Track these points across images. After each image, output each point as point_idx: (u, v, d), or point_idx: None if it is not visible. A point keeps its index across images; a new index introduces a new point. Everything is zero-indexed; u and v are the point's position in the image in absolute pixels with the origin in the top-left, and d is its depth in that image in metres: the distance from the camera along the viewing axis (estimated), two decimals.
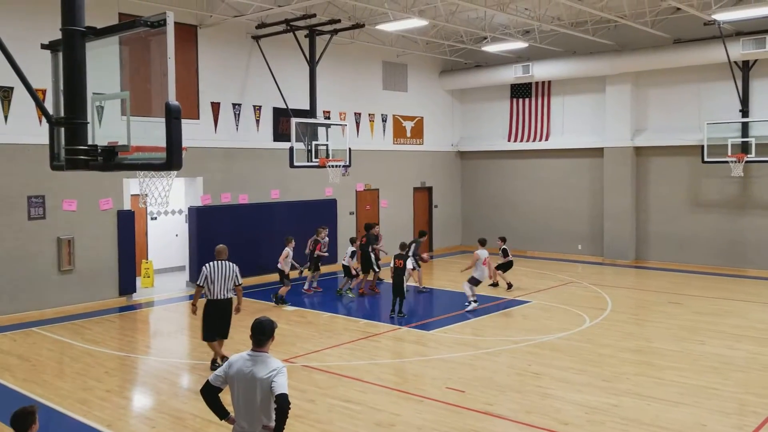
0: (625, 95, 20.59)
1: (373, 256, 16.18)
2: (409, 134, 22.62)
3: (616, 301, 15.10)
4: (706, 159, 18.60)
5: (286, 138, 17.19)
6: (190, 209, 16.88)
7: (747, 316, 13.72)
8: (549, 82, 22.20)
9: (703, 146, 18.66)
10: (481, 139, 24.04)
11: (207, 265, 10.08)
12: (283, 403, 4.87)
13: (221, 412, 5.26)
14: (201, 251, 16.18)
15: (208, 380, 5.28)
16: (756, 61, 18.24)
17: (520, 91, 22.99)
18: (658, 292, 16.20)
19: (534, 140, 22.67)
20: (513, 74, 21.81)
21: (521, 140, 22.94)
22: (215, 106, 17.13)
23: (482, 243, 14.99)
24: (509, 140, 23.21)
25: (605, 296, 15.69)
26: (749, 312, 14.17)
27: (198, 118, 16.75)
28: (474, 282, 14.39)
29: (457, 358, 10.89)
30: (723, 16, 15.81)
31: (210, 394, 5.24)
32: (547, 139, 22.43)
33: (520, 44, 19.64)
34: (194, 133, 16.19)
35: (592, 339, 11.98)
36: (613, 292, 16.08)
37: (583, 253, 21.62)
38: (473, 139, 24.29)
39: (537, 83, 22.44)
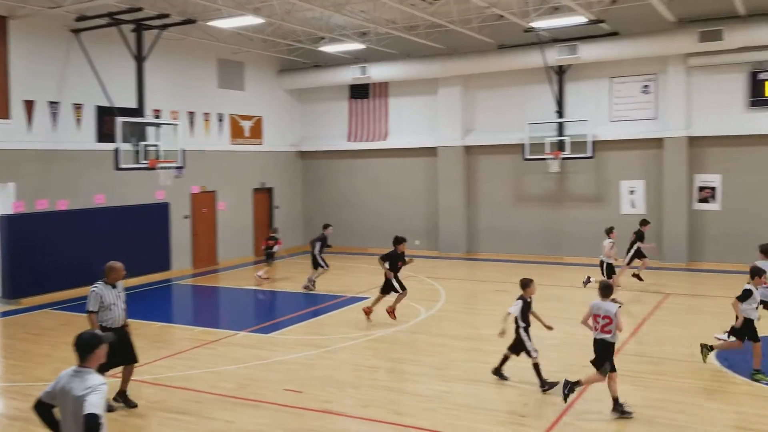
0: (456, 97, 21.61)
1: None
2: (247, 134, 22.19)
3: (450, 292, 15.80)
4: (527, 156, 20.01)
5: (111, 139, 16.16)
6: (0, 218, 15.33)
7: (564, 300, 14.92)
8: (386, 83, 22.78)
9: (524, 145, 20.05)
10: (321, 139, 24.15)
11: (98, 285, 8.44)
12: (89, 424, 4.49)
13: (56, 429, 4.85)
14: (14, 264, 14.81)
15: (39, 397, 4.88)
16: (569, 66, 19.88)
17: (359, 91, 23.37)
18: (487, 282, 17.18)
19: (373, 140, 23.16)
20: (351, 75, 22.12)
21: (360, 140, 23.34)
22: (29, 105, 15.73)
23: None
24: (349, 140, 23.53)
25: (440, 288, 16.36)
26: (566, 295, 15.43)
27: (8, 118, 15.30)
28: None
29: (297, 359, 10.83)
30: (540, 24, 17.07)
31: (43, 410, 4.87)
32: (385, 139, 22.99)
33: (357, 46, 19.95)
34: (4, 134, 14.78)
35: (427, 330, 12.44)
36: (446, 284, 16.80)
37: (421, 248, 22.40)
38: (314, 138, 24.34)
39: (375, 84, 22.94)
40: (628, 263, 15.82)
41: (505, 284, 16.72)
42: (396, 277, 12.96)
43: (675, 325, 12.62)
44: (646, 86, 19.40)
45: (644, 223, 16.07)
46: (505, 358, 9.47)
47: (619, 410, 8.06)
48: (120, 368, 8.56)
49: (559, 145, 19.68)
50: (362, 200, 23.51)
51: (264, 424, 8.11)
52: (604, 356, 8.18)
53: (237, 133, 21.76)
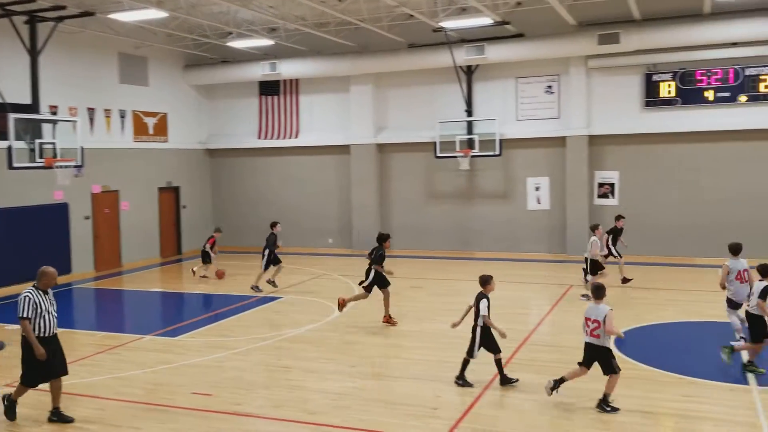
0: (368, 95, 21.67)
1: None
2: (151, 131, 21.41)
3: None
4: (438, 154, 20.32)
5: (4, 136, 15.20)
6: None
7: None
8: (297, 80, 22.55)
9: (436, 143, 20.36)
10: (230, 137, 23.64)
11: (31, 291, 7.93)
12: None
13: None
14: None
15: None
16: (477, 66, 20.33)
17: (269, 88, 23.03)
18: (402, 278, 17.25)
19: (284, 138, 22.89)
20: (260, 71, 21.77)
21: (271, 137, 23.01)
22: None
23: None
24: (259, 137, 23.16)
25: (353, 286, 16.34)
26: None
27: None
28: None
29: (205, 361, 10.54)
30: (448, 24, 17.36)
31: None
32: (296, 137, 22.77)
33: (266, 42, 19.62)
34: None
35: (340, 328, 12.41)
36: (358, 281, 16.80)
37: (334, 247, 22.36)
38: (223, 136, 23.79)
39: (285, 81, 22.67)
40: (606, 256, 15.35)
41: (418, 280, 16.96)
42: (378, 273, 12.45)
43: (576, 315, 13.04)
44: (549, 87, 20.11)
45: (619, 218, 16.18)
46: (498, 362, 9.10)
47: (605, 407, 8.02)
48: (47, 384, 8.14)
49: (469, 143, 20.10)
50: (274, 199, 23.19)
51: (172, 428, 7.84)
52: (605, 359, 8.04)
53: (140, 130, 20.96)
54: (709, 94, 18.22)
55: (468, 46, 19.33)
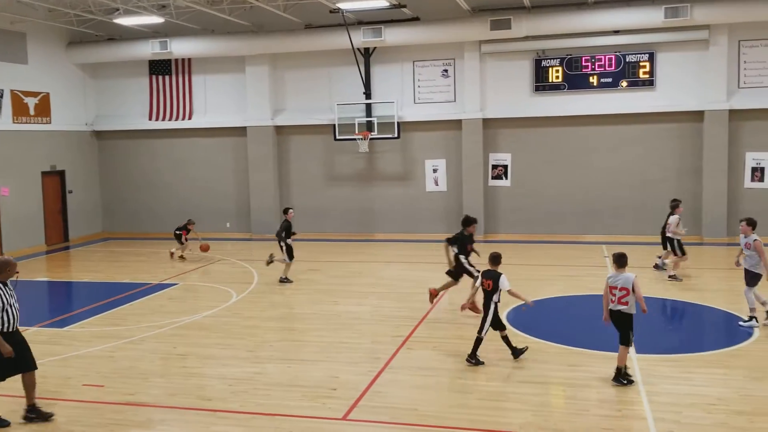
0: (264, 76, 21.26)
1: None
2: (33, 112, 20.09)
3: (263, 273, 15.63)
4: (337, 137, 20.30)
5: None
6: None
7: (374, 275, 15.44)
8: (189, 59, 21.80)
9: (335, 125, 20.31)
10: (119, 118, 22.58)
11: None
12: None
13: None
14: None
15: None
16: (375, 48, 20.39)
17: (160, 67, 22.12)
18: (300, 261, 17.18)
19: (177, 119, 22.10)
20: (150, 50, 20.86)
21: (163, 119, 22.17)
22: None
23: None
24: (150, 119, 22.25)
25: (252, 271, 16.13)
26: (376, 271, 15.97)
27: None
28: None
29: (96, 352, 10.11)
30: (345, 6, 17.27)
31: None
32: (190, 118, 22.05)
33: (155, 19, 18.78)
34: None
35: (238, 313, 12.22)
36: (259, 266, 16.58)
37: (232, 231, 21.93)
38: (111, 117, 22.69)
39: (177, 60, 21.86)
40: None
41: (316, 263, 16.94)
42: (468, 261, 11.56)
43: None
44: (445, 70, 20.47)
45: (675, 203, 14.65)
46: (505, 338, 9.17)
47: (621, 380, 8.12)
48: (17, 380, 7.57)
49: (368, 126, 20.19)
50: (168, 183, 22.42)
51: (61, 422, 7.49)
52: (625, 328, 8.13)
53: (20, 110, 19.63)
54: (594, 80, 19.15)
55: (365, 28, 19.33)
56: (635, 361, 8.98)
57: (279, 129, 21.59)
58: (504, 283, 8.96)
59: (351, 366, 9.19)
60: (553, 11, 18.29)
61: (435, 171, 20.73)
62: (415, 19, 19.41)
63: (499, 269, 9.13)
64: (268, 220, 21.45)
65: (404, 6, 18.22)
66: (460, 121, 20.16)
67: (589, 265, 15.86)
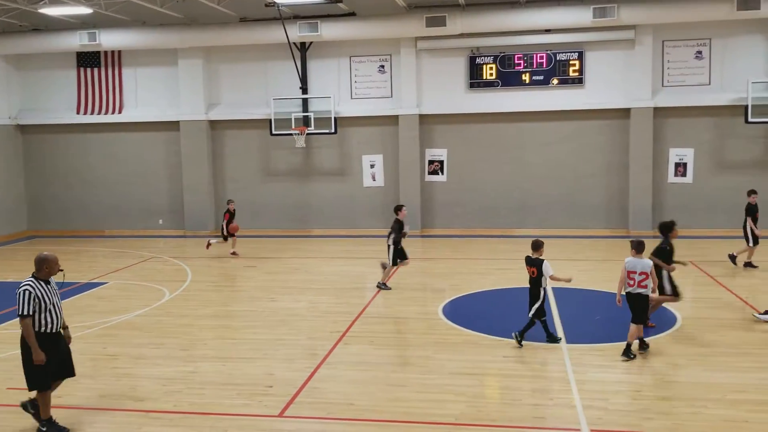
0: (198, 69, 20.83)
1: None
2: None
3: (197, 271, 15.36)
4: (274, 132, 20.10)
5: None
6: None
7: (311, 271, 15.38)
8: (119, 52, 21.15)
9: (271, 120, 20.10)
10: (46, 112, 21.72)
11: (31, 283, 7.01)
12: None
13: None
14: None
15: None
16: (311, 43, 20.26)
17: (88, 60, 21.39)
18: (237, 259, 17.01)
19: (106, 113, 21.42)
20: (78, 41, 20.10)
21: (92, 113, 21.44)
22: None
23: None
24: (78, 113, 21.49)
25: (186, 268, 15.81)
26: (313, 267, 15.90)
27: None
28: None
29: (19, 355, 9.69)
30: (281, 0, 17.05)
31: None
32: (120, 112, 21.40)
33: (83, 9, 18.09)
34: None
35: (171, 311, 11.97)
36: (193, 264, 16.30)
37: (165, 228, 21.43)
38: (36, 111, 21.80)
39: (106, 52, 21.18)
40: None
41: (253, 260, 16.75)
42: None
43: (409, 287, 13.64)
44: (382, 66, 20.53)
45: (751, 193, 14.57)
46: (544, 323, 9.57)
47: (630, 354, 8.79)
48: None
49: (305, 121, 20.05)
50: (97, 178, 21.70)
51: None
52: (643, 308, 8.86)
53: None
54: (526, 77, 19.55)
55: (302, 22, 19.18)
56: (565, 351, 9.25)
57: (213, 123, 21.21)
58: (549, 269, 9.41)
59: (287, 363, 9.14)
60: (487, 9, 18.59)
61: (372, 166, 20.78)
62: (351, 15, 19.37)
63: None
64: (202, 216, 21.06)
65: (340, 1, 18.16)
66: (396, 116, 20.26)
67: (522, 258, 16.17)
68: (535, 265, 9.49)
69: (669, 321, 10.60)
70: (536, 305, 9.45)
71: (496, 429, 6.99)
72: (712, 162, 19.01)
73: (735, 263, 14.57)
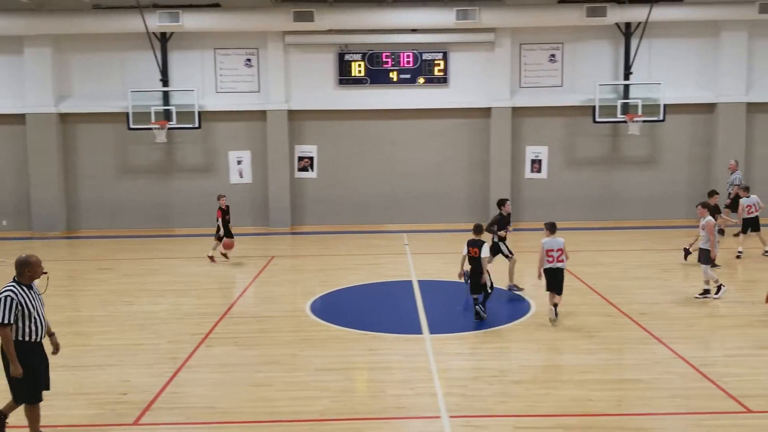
0: (46, 59, 19.37)
1: None
2: None
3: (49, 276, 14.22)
4: (131, 126, 19.09)
5: None
6: None
7: (172, 272, 14.74)
8: None
9: (128, 113, 19.06)
10: None
11: (13, 288, 6.31)
12: None
13: None
14: None
15: None
16: (172, 34, 19.41)
17: None
18: (90, 261, 16.02)
19: None
20: None
21: None
22: None
23: None
24: None
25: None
26: (175, 268, 15.25)
27: None
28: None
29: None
30: None
31: None
32: None
33: None
34: None
35: None
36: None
37: (9, 229, 19.76)
38: None
39: None
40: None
41: (108, 261, 15.81)
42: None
43: (277, 285, 13.46)
44: (248, 60, 20.06)
45: (713, 194, 14.99)
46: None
47: (555, 314, 10.03)
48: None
49: (166, 115, 19.19)
50: None
51: None
52: (562, 279, 10.06)
53: None
54: (394, 75, 19.85)
55: (161, 12, 18.33)
56: (428, 342, 9.45)
57: (64, 117, 19.81)
58: (486, 251, 10.34)
59: (145, 368, 8.66)
60: (354, 6, 18.68)
61: (239, 163, 20.27)
62: (215, 6, 18.79)
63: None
64: (51, 215, 19.62)
65: None
66: (265, 111, 19.90)
67: (391, 253, 16.45)
68: (477, 246, 10.31)
69: (524, 309, 11.13)
70: (481, 280, 10.30)
71: (359, 422, 6.99)
72: (564, 158, 20.23)
73: (686, 259, 14.38)
